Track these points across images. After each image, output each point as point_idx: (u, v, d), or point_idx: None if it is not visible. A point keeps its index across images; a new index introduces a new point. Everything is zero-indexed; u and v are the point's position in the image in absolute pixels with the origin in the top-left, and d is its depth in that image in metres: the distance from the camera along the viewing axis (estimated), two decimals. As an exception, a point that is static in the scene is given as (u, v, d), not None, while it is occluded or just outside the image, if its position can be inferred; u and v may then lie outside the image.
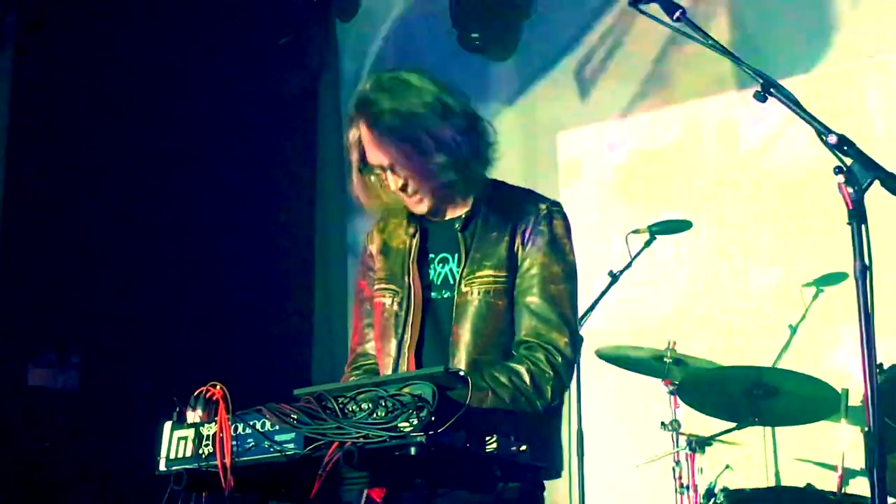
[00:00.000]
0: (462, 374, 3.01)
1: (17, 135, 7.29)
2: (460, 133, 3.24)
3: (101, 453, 6.76)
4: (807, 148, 6.26)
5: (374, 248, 3.49)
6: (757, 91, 2.87)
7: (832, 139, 2.70)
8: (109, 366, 7.28)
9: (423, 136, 3.19)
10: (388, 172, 3.26)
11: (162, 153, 7.71)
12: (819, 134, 2.74)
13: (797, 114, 2.81)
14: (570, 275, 3.31)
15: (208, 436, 2.92)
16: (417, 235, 3.39)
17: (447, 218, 3.36)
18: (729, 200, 7.02)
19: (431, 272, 3.35)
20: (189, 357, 7.18)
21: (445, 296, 3.30)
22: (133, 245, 7.48)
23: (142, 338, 7.30)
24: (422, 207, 3.33)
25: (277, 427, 2.82)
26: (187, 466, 2.93)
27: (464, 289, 3.26)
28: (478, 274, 3.26)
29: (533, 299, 3.24)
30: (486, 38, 7.58)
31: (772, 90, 2.84)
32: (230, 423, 2.88)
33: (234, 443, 2.86)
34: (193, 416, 2.98)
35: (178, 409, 3.02)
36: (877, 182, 2.67)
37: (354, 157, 3.32)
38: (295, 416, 2.80)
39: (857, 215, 2.66)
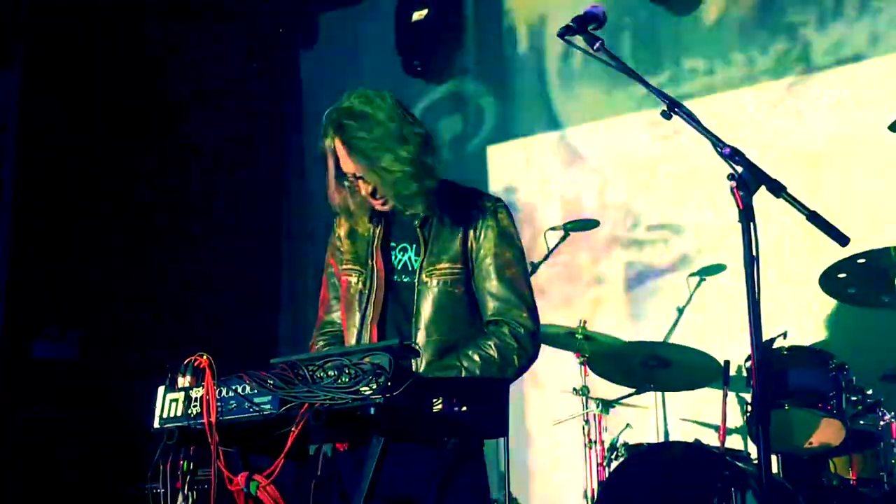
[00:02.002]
0: (414, 346, 3.04)
1: (26, 138, 7.20)
2: (417, 149, 3.24)
3: (98, 414, 6.68)
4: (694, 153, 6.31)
5: (342, 231, 3.47)
6: (663, 110, 2.88)
7: (726, 150, 2.72)
8: (106, 339, 7.19)
9: (387, 153, 3.18)
10: (359, 181, 3.25)
11: (151, 157, 7.64)
12: (715, 146, 2.75)
13: (697, 129, 2.82)
14: (521, 258, 3.34)
15: (196, 398, 2.90)
16: (381, 225, 3.37)
17: (407, 213, 3.34)
18: (634, 204, 7.08)
19: (393, 258, 3.34)
20: (177, 331, 7.11)
21: (405, 280, 3.30)
22: (126, 236, 7.40)
23: (135, 315, 7.22)
24: (386, 208, 3.32)
25: (256, 391, 2.81)
26: (178, 424, 2.92)
27: (424, 278, 3.26)
28: (437, 266, 3.26)
29: (492, 284, 3.26)
30: (425, 65, 7.56)
31: (675, 109, 2.85)
32: (215, 387, 2.86)
33: (219, 404, 2.85)
34: (183, 381, 2.96)
35: (169, 376, 2.99)
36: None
37: (331, 163, 3.30)
38: (271, 382, 2.79)
39: (747, 214, 2.68)
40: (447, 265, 3.27)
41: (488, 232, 3.29)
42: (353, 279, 3.35)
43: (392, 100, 3.30)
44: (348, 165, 3.25)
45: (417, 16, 7.59)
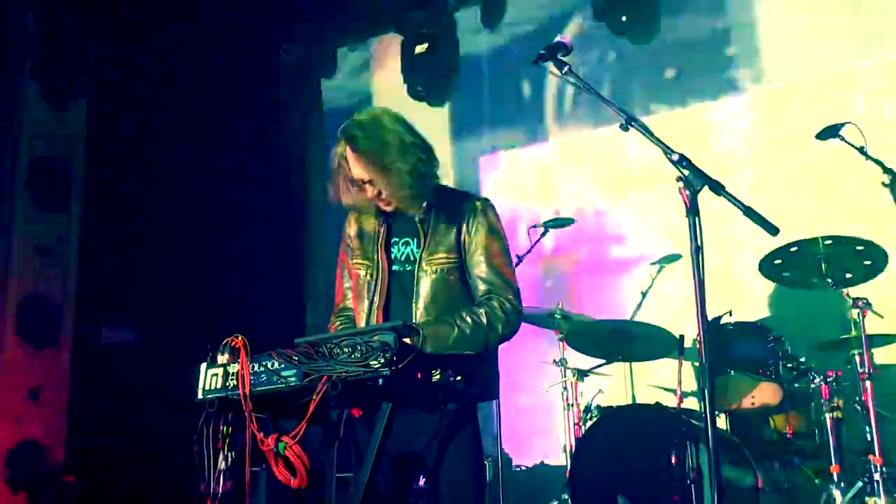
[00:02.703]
0: (414, 326, 3.04)
1: (93, 157, 7.23)
2: (417, 159, 3.24)
3: (158, 389, 6.70)
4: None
5: (352, 231, 3.45)
6: (622, 123, 2.88)
7: (675, 157, 2.72)
8: (162, 325, 7.21)
9: (392, 162, 3.19)
10: (367, 185, 3.25)
11: (197, 173, 7.66)
12: (665, 153, 2.75)
13: (650, 139, 2.82)
14: (506, 250, 3.33)
15: (233, 373, 2.92)
16: (385, 224, 3.37)
17: (409, 213, 3.34)
18: (607, 205, 7.09)
19: (395, 251, 3.33)
20: (218, 317, 7.13)
21: (407, 269, 3.29)
22: (177, 241, 7.42)
23: (184, 306, 7.23)
24: (390, 208, 3.31)
25: (283, 365, 2.83)
26: (218, 395, 2.95)
27: (424, 266, 3.25)
28: (434, 256, 3.26)
29: (482, 270, 3.25)
30: (427, 90, 7.56)
31: (632, 123, 2.85)
32: (249, 363, 2.88)
33: (252, 377, 2.87)
34: (222, 358, 2.99)
35: (210, 354, 3.02)
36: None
37: (338, 165, 3.30)
38: (296, 358, 2.81)
39: (693, 211, 2.68)
40: (443, 255, 3.26)
41: (479, 227, 3.28)
42: (362, 272, 3.35)
43: (395, 115, 3.31)
44: (357, 171, 3.24)
45: (419, 49, 7.60)
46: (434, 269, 3.25)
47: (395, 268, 3.31)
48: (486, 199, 3.38)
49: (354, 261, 3.40)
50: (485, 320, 3.15)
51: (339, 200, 3.37)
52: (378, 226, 3.37)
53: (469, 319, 3.13)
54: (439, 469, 3.17)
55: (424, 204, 3.32)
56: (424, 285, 3.24)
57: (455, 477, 3.17)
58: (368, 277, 3.32)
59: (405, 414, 2.96)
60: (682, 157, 2.71)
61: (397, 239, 3.35)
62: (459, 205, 3.34)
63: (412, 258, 3.30)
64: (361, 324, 3.30)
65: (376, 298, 3.28)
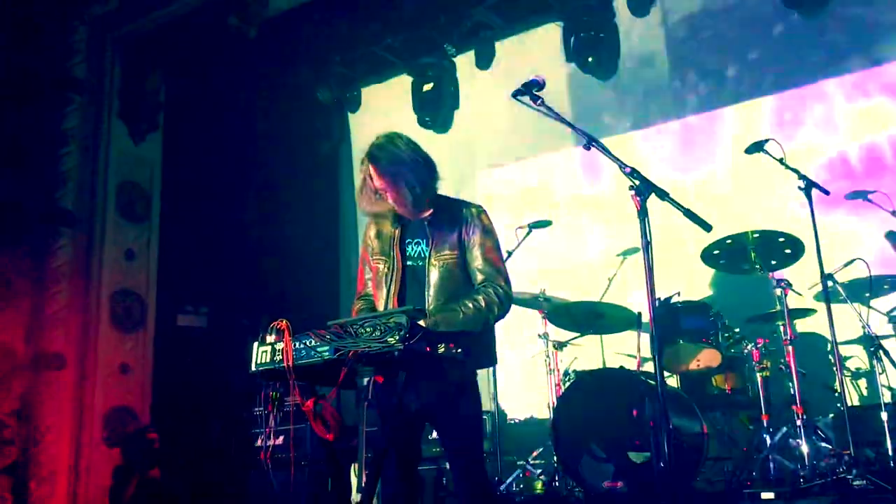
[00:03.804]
0: (422, 310, 3.04)
1: (168, 177, 7.26)
2: (424, 172, 3.25)
3: (221, 363, 6.72)
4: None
5: (371, 233, 3.45)
6: (585, 143, 2.88)
7: (627, 169, 2.72)
8: (224, 313, 7.22)
9: (404, 175, 3.20)
10: (386, 194, 3.26)
11: (249, 188, 7.69)
12: (620, 167, 2.75)
13: (608, 157, 2.81)
14: (497, 246, 3.31)
15: (279, 349, 2.93)
16: (399, 227, 3.36)
17: (418, 218, 3.34)
18: (580, 211, 7.05)
19: (409, 249, 3.32)
20: (268, 303, 7.14)
21: (419, 264, 3.28)
22: (235, 241, 7.43)
23: (241, 297, 7.24)
24: (403, 211, 3.31)
25: (318, 343, 2.83)
26: (267, 367, 2.95)
27: (433, 261, 3.24)
28: (441, 253, 3.25)
29: (479, 263, 3.24)
30: (433, 119, 7.53)
31: (593, 143, 2.85)
32: (291, 341, 2.90)
33: (294, 353, 2.88)
34: (270, 338, 2.98)
35: (261, 335, 3.02)
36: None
37: (364, 180, 3.31)
38: (328, 336, 2.81)
39: (643, 213, 2.68)
40: (448, 252, 3.25)
41: (475, 229, 3.27)
42: (381, 266, 3.34)
43: (407, 139, 3.32)
44: (378, 183, 3.25)
45: (427, 87, 7.56)
46: (441, 263, 3.24)
47: (409, 263, 3.30)
48: (480, 206, 3.38)
49: (374, 257, 3.39)
50: (483, 305, 3.14)
51: (365, 209, 3.38)
52: (393, 229, 3.37)
53: (470, 305, 3.13)
54: (447, 422, 3.17)
55: (431, 209, 3.31)
56: (434, 276, 3.23)
57: (459, 430, 3.17)
58: (387, 270, 3.31)
59: (419, 379, 2.98)
60: (634, 169, 2.71)
61: (410, 240, 3.34)
62: (459, 211, 3.33)
63: (423, 255, 3.28)
64: (380, 307, 3.29)
65: (393, 287, 3.27)
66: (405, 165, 3.21)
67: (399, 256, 3.31)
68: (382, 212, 3.36)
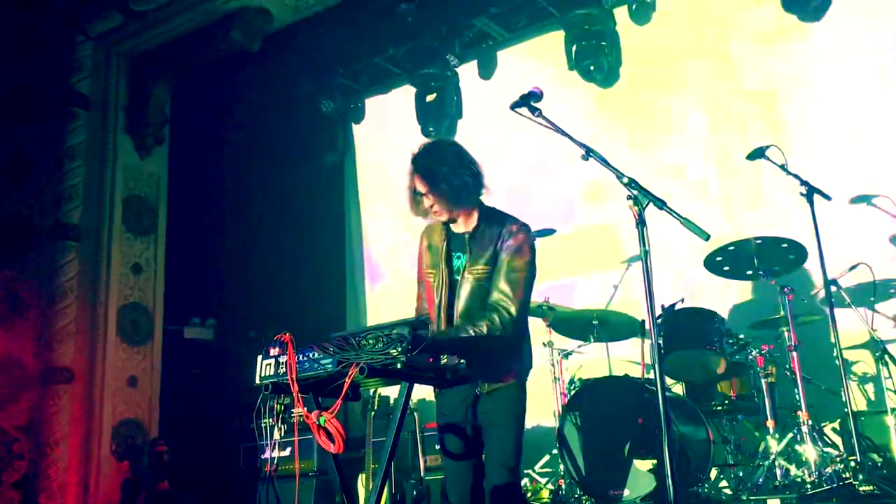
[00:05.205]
0: (426, 321, 3.02)
1: (174, 189, 7.30)
2: (464, 178, 3.23)
3: (227, 375, 6.75)
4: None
5: (423, 246, 3.44)
6: (583, 154, 2.89)
7: (625, 179, 2.73)
8: (230, 325, 7.25)
9: (442, 178, 3.19)
10: (424, 197, 3.25)
11: (256, 202, 7.71)
12: (618, 177, 2.76)
13: (606, 167, 2.82)
14: (525, 267, 3.22)
15: (282, 362, 2.92)
16: (446, 241, 3.35)
17: (462, 230, 3.32)
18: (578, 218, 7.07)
19: (455, 263, 3.31)
20: (273, 317, 7.16)
21: (456, 278, 3.28)
22: (241, 258, 7.47)
23: (248, 309, 7.26)
24: (442, 218, 3.31)
25: (321, 355, 2.83)
26: (271, 380, 2.95)
27: (466, 275, 3.23)
28: (474, 267, 3.23)
29: (500, 281, 3.18)
30: (437, 129, 7.56)
31: (590, 154, 2.86)
32: (295, 353, 2.89)
33: (298, 365, 2.88)
34: (274, 351, 2.98)
35: (265, 348, 3.02)
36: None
37: (410, 184, 3.30)
38: (331, 349, 2.81)
39: (641, 222, 2.69)
40: (481, 267, 3.22)
41: (510, 246, 3.21)
42: (433, 280, 3.33)
43: (451, 143, 3.33)
44: (418, 185, 3.25)
45: (430, 97, 7.60)
46: (473, 278, 3.22)
47: (455, 277, 3.30)
48: (523, 223, 3.30)
49: (427, 270, 3.39)
50: (486, 331, 3.11)
51: (412, 213, 3.36)
52: (442, 242, 3.36)
53: (473, 329, 3.10)
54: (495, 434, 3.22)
55: (475, 220, 3.30)
56: (465, 290, 3.23)
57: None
58: (436, 283, 3.32)
59: (449, 393, 3.09)
60: (631, 179, 2.72)
61: (454, 254, 3.33)
62: (500, 226, 3.27)
63: (461, 269, 3.29)
64: (433, 318, 3.29)
65: (443, 300, 3.27)
66: (444, 169, 3.19)
67: (446, 272, 3.30)
68: (424, 214, 3.34)
